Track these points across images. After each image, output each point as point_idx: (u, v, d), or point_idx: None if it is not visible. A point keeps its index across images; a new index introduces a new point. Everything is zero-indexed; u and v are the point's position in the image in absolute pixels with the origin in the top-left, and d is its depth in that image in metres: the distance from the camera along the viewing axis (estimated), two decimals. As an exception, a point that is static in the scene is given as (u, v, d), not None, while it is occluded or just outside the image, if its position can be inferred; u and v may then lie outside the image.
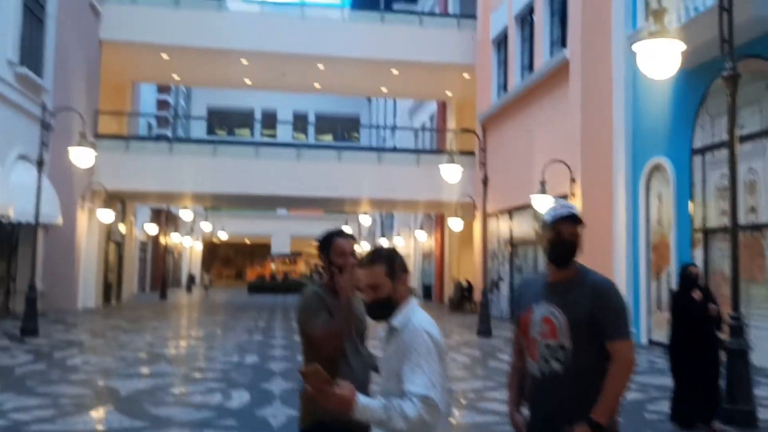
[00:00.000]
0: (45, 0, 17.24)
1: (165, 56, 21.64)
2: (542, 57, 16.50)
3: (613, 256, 12.96)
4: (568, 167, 13.90)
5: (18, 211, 13.74)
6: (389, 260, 2.16)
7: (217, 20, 21.10)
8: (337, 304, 2.76)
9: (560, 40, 15.97)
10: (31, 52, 16.41)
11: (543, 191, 13.90)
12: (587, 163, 13.72)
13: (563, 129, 14.79)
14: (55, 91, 17.53)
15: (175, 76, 26.03)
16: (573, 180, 13.80)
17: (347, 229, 3.27)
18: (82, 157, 13.87)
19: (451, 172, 14.39)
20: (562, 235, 2.27)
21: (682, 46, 5.73)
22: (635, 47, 5.95)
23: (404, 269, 2.18)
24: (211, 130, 45.91)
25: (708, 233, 10.76)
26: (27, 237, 15.52)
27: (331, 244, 2.89)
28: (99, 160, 16.57)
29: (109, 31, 19.99)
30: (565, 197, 14.25)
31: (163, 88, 34.02)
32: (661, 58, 5.76)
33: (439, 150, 25.88)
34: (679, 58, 5.80)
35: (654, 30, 5.76)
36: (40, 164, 12.71)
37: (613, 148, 13.36)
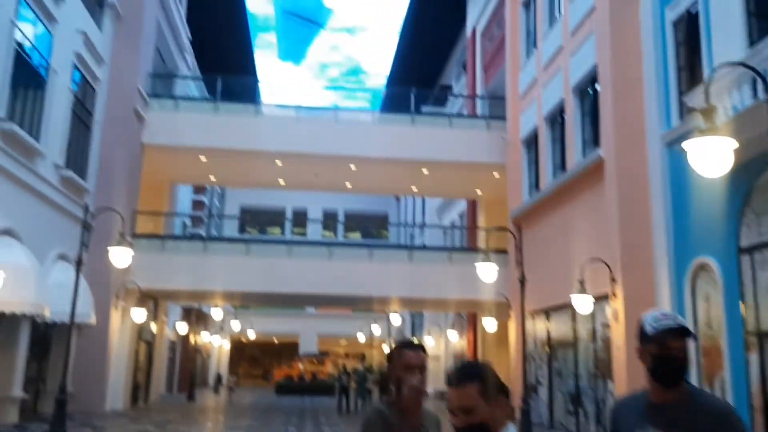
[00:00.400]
0: (93, 107, 18.07)
1: (203, 158, 22.28)
2: (574, 156, 16.58)
3: (660, 359, 12.36)
4: (608, 266, 13.60)
5: (53, 310, 13.77)
6: (484, 378, 1.91)
7: (254, 124, 21.86)
8: (401, 425, 2.56)
9: (592, 139, 16.08)
10: (76, 156, 17.03)
11: (582, 291, 13.56)
12: (627, 262, 13.42)
13: (600, 227, 14.60)
14: (96, 192, 18.03)
15: (212, 177, 26.71)
16: (614, 280, 13.45)
17: (415, 340, 3.08)
18: (120, 257, 13.99)
19: (487, 271, 14.17)
20: (670, 350, 2.03)
21: (734, 144, 5.64)
22: (686, 145, 5.87)
23: (502, 389, 1.92)
24: (242, 229, 46.64)
25: (762, 336, 10.25)
26: (60, 337, 15.49)
27: (397, 356, 2.72)
28: (135, 259, 16.70)
29: (151, 136, 20.75)
30: (605, 297, 13.87)
31: (198, 189, 34.91)
32: (714, 156, 5.66)
33: (470, 248, 25.76)
34: (732, 156, 5.69)
35: (704, 128, 5.70)
36: (78, 264, 12.83)
37: (654, 247, 13.09)
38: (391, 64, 38.96)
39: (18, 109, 13.80)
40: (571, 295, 14.14)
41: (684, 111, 12.57)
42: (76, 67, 16.77)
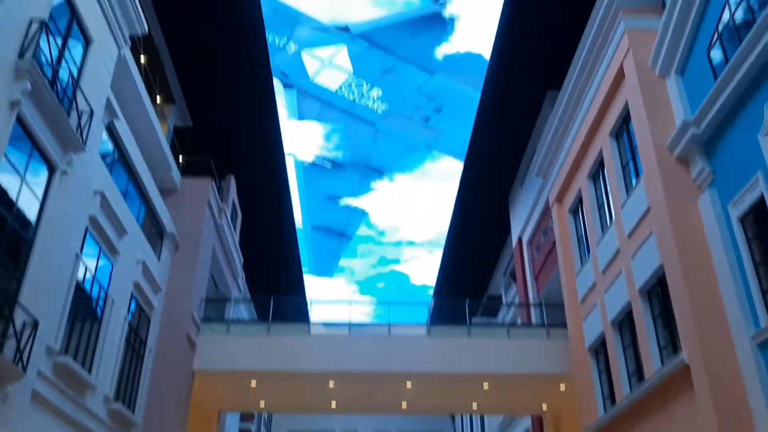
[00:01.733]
0: (146, 335, 17.89)
1: (253, 383, 21.46)
2: (651, 363, 15.30)
3: None
4: (718, 490, 11.73)
5: None
6: None
7: (305, 344, 21.20)
8: None
9: (669, 343, 14.95)
10: (126, 386, 16.46)
11: None
12: (740, 484, 11.59)
13: (698, 442, 12.91)
14: (144, 425, 17.12)
15: (262, 404, 25.55)
16: (729, 507, 11.52)
17: None
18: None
19: (578, 503, 12.35)
20: None
21: None
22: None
23: None
24: (289, 459, 43.90)
25: None
26: None
27: None
28: (180, 501, 15.29)
29: (202, 362, 20.22)
30: None
31: (246, 417, 33.41)
32: None
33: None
34: None
35: None
36: None
37: (768, 463, 11.37)
38: (437, 276, 39.12)
39: (74, 340, 13.59)
40: None
41: (772, 308, 11.66)
42: (133, 296, 16.88)
